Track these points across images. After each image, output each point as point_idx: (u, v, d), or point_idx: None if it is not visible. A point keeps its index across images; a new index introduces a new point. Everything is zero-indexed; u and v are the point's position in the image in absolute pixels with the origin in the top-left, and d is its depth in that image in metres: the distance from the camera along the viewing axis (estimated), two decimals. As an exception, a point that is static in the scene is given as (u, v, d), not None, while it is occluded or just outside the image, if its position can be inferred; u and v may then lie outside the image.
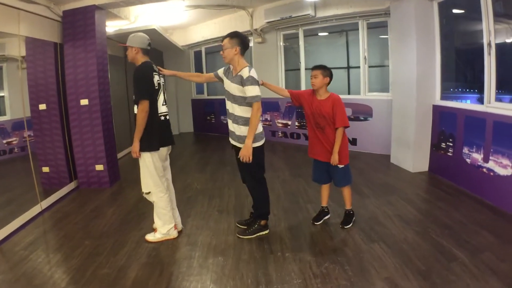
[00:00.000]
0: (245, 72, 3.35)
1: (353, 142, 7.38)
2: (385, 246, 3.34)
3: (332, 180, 3.86)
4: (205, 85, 10.79)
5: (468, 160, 4.73)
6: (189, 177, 6.05)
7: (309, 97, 3.75)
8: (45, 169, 5.48)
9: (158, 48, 10.15)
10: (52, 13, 5.20)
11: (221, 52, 3.43)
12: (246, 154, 3.35)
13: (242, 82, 3.33)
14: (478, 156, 4.53)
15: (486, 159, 4.37)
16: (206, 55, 10.64)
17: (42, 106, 5.36)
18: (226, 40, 3.41)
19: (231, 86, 3.44)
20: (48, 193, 5.07)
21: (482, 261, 2.96)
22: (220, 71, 3.67)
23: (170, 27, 9.86)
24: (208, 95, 10.83)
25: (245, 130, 3.42)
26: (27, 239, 3.87)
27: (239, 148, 3.47)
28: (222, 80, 3.63)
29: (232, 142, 3.60)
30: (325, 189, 4.00)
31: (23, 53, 4.98)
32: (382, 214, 4.08)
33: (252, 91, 3.31)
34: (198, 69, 10.90)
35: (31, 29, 4.82)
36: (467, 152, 4.75)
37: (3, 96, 5.34)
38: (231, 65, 3.51)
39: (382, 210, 4.21)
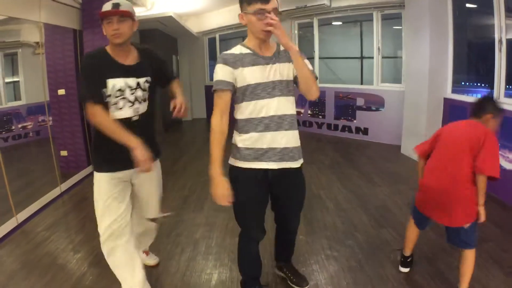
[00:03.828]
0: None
1: (365, 132, 7.50)
2: (393, 232, 3.49)
3: None
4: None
5: (475, 154, 4.81)
6: (203, 162, 6.15)
7: None
8: (63, 153, 5.63)
9: (173, 35, 10.27)
10: (72, 0, 5.31)
11: (270, 20, 1.99)
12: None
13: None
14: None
15: (493, 153, 4.45)
16: (220, 42, 10.70)
17: (61, 92, 5.51)
18: (275, 1, 2.07)
19: (279, 70, 2.18)
20: (66, 176, 5.22)
21: (485, 251, 3.07)
22: (228, 72, 2.13)
23: (184, 13, 9.94)
24: (221, 82, 10.87)
25: (298, 137, 2.33)
26: (48, 220, 4.05)
27: (292, 173, 2.32)
28: (234, 87, 2.18)
29: (281, 165, 2.24)
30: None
31: (38, 38, 5.10)
32: (392, 203, 4.20)
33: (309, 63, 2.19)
34: (212, 55, 11.01)
35: (51, 16, 4.93)
36: (475, 145, 4.83)
37: (18, 81, 5.49)
38: (244, 46, 2.20)
39: (392, 198, 4.33)
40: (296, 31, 8.67)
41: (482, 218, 2.37)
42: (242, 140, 2.23)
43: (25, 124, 5.44)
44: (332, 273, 2.87)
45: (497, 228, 3.51)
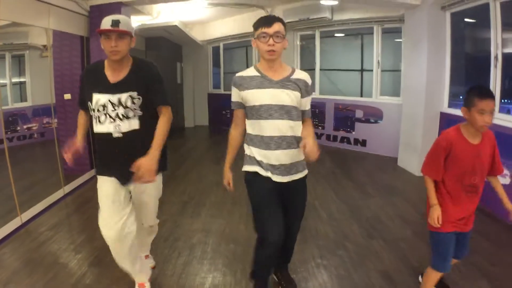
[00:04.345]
0: (306, 76, 2.46)
1: (363, 143, 7.63)
2: (383, 243, 3.60)
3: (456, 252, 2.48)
4: (221, 80, 11.04)
5: (470, 167, 4.90)
6: (204, 169, 6.35)
7: (461, 147, 2.33)
8: (68, 156, 5.74)
9: (178, 42, 10.46)
10: (80, 8, 5.45)
11: (271, 44, 2.27)
12: (315, 150, 2.20)
13: (306, 89, 2.44)
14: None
15: (487, 167, 4.53)
16: (224, 50, 10.87)
17: (67, 96, 5.63)
18: (280, 26, 2.29)
19: (283, 95, 2.35)
20: (69, 178, 5.32)
21: (473, 264, 3.14)
22: (237, 94, 2.47)
23: (190, 22, 10.10)
24: (224, 90, 11.03)
25: (301, 154, 2.44)
26: (51, 221, 4.18)
27: (297, 184, 2.52)
28: (243, 106, 2.49)
29: (284, 179, 2.45)
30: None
31: (45, 41, 5.21)
32: (384, 214, 4.32)
33: (309, 103, 2.52)
34: (216, 63, 11.19)
35: (60, 23, 5.06)
36: (470, 159, 4.92)
37: (24, 83, 5.59)
38: (255, 68, 2.45)
39: (384, 210, 4.44)
40: (298, 42, 8.82)
41: (429, 219, 2.38)
42: (249, 150, 2.51)
43: (30, 125, 5.52)
44: (321, 281, 2.98)
45: (486, 241, 3.59)
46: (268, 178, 2.43)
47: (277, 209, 2.48)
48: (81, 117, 2.62)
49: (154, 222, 2.89)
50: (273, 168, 2.41)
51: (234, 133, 2.58)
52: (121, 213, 2.47)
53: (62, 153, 2.57)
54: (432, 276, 2.49)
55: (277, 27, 2.26)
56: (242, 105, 2.47)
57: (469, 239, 2.51)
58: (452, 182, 2.35)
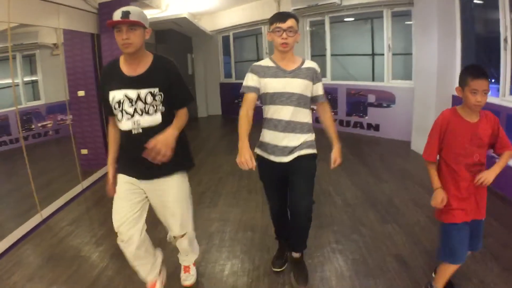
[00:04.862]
0: (314, 65, 2.71)
1: (376, 128, 7.63)
2: (397, 227, 3.63)
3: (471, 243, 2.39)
4: (233, 69, 11.08)
5: (482, 150, 4.87)
6: (218, 159, 6.42)
7: (457, 124, 2.32)
8: (84, 151, 5.83)
9: (188, 34, 10.50)
10: (89, 5, 5.52)
11: (284, 38, 2.51)
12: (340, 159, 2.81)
13: (316, 76, 2.68)
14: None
15: (498, 151, 4.51)
16: (234, 40, 10.86)
17: (81, 93, 5.72)
18: (293, 22, 2.52)
19: (294, 84, 2.59)
20: (87, 173, 5.44)
21: (484, 246, 3.07)
22: (255, 79, 2.64)
23: (198, 13, 10.12)
24: (236, 79, 11.05)
25: (312, 136, 2.78)
26: (72, 216, 4.30)
27: (300, 160, 2.67)
28: (258, 90, 2.64)
29: (284, 159, 2.66)
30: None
31: (55, 40, 5.30)
32: (398, 198, 4.34)
33: (322, 87, 2.75)
34: (226, 52, 11.20)
35: (70, 22, 5.14)
36: (482, 142, 4.89)
37: (37, 82, 5.67)
38: (271, 59, 2.69)
39: (398, 194, 4.46)
40: (308, 28, 8.79)
41: (432, 201, 2.33)
42: (262, 134, 2.76)
43: (44, 123, 5.61)
44: (337, 266, 3.04)
45: (498, 224, 3.60)
46: (271, 161, 2.69)
47: (278, 188, 2.83)
48: (111, 130, 2.48)
49: (181, 232, 2.67)
50: (276, 148, 2.66)
51: (246, 113, 2.55)
52: (127, 211, 2.51)
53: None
54: (450, 269, 2.38)
55: (290, 23, 2.51)
56: (256, 90, 2.62)
57: (482, 230, 2.43)
58: (454, 163, 2.31)
